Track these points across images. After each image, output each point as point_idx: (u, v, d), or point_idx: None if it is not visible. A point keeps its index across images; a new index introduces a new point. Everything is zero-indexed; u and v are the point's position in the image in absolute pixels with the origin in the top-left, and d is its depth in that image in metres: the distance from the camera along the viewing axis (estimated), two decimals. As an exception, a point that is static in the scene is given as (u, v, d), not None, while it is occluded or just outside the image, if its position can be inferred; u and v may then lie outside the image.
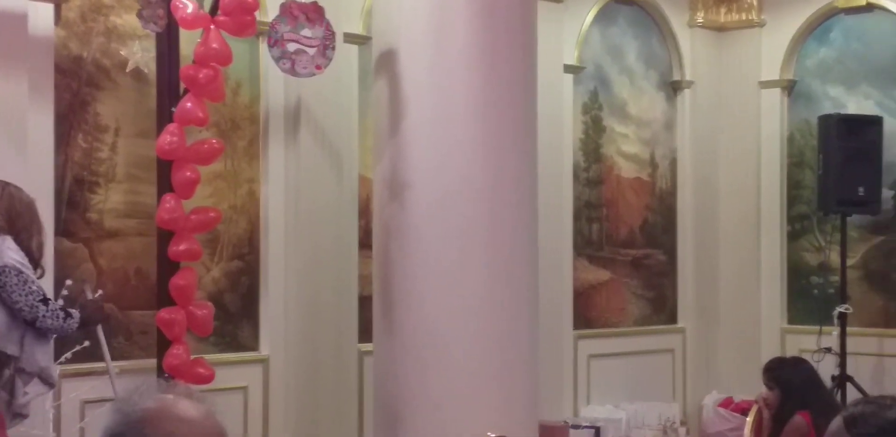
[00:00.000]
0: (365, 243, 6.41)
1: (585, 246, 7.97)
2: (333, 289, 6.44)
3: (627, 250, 8.24)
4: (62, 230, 5.56)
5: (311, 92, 6.28)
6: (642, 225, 8.35)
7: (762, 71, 8.62)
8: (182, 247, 5.45)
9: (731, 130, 8.64)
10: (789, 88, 8.59)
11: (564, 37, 7.65)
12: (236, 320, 6.25)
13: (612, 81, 8.14)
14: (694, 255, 8.56)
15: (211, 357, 5.79)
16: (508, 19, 5.76)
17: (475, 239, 5.62)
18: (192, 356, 5.49)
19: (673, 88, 8.55)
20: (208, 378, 5.52)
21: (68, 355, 5.08)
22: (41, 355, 4.57)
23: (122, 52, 5.58)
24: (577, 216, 7.87)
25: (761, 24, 8.63)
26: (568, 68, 7.71)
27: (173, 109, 5.38)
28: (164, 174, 5.44)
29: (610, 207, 8.15)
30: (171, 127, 5.36)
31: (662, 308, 8.48)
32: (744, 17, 8.66)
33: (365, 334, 6.30)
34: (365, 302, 6.31)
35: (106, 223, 5.75)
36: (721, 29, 8.68)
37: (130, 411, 1.90)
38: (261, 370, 6.28)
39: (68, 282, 5.13)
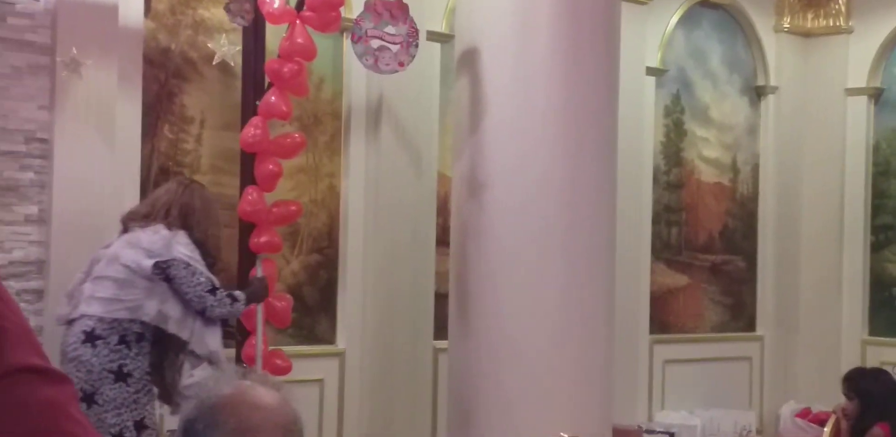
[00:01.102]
0: (442, 240, 6.43)
1: (664, 250, 7.92)
2: (410, 285, 6.47)
3: (706, 255, 8.17)
4: (146, 220, 5.64)
5: (393, 89, 6.32)
6: (722, 230, 8.28)
7: (849, 78, 8.51)
8: (263, 239, 5.51)
9: (815, 136, 8.53)
10: (876, 95, 8.47)
11: (648, 39, 7.62)
12: (314, 312, 6.31)
13: (694, 84, 8.09)
14: (774, 262, 8.46)
15: (288, 349, 5.84)
16: (592, 20, 5.75)
17: (553, 240, 5.61)
18: (270, 348, 5.55)
19: (756, 93, 8.46)
20: (285, 370, 5.57)
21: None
22: (211, 339, 4.82)
23: (209, 45, 5.66)
24: (656, 220, 7.83)
25: (849, 31, 8.52)
26: (650, 71, 7.68)
27: (258, 103, 5.44)
28: (248, 167, 5.50)
29: (689, 211, 8.08)
30: (255, 120, 5.43)
31: (740, 315, 8.39)
32: (831, 23, 8.56)
33: (440, 331, 6.32)
34: (441, 299, 6.33)
35: (189, 214, 5.83)
36: (808, 34, 8.58)
37: (205, 397, 1.92)
38: (337, 364, 6.33)
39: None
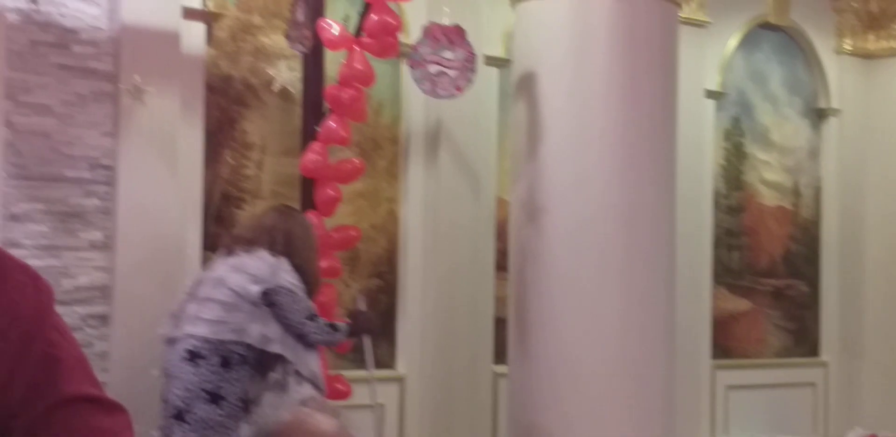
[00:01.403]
0: (501, 264, 6.43)
1: (725, 275, 7.85)
2: (469, 310, 6.46)
3: (768, 279, 8.09)
4: (209, 245, 5.70)
5: (452, 113, 6.35)
6: (784, 255, 8.19)
7: (912, 100, 8.42)
8: (323, 264, 5.54)
9: (879, 159, 8.44)
10: (940, 117, 8.37)
11: (707, 62, 7.58)
12: (374, 337, 6.30)
13: (754, 107, 8.03)
14: (838, 287, 8.35)
15: (348, 374, 5.85)
16: (649, 43, 5.75)
17: (612, 264, 5.59)
18: (331, 372, 5.57)
19: (818, 116, 8.39)
20: (345, 394, 5.59)
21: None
22: (312, 362, 4.91)
23: (269, 72, 5.72)
24: (717, 244, 7.76)
25: (911, 52, 8.44)
26: (710, 94, 7.64)
27: (317, 128, 5.49)
28: (307, 192, 5.55)
29: (751, 235, 8.01)
30: (315, 146, 5.47)
31: (804, 340, 8.28)
32: (894, 44, 8.47)
33: (500, 355, 6.30)
34: (500, 324, 6.32)
35: (250, 239, 5.87)
36: (870, 56, 8.50)
37: (265, 423, 1.94)
38: (397, 388, 6.33)
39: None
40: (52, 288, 1.63)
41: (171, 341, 4.83)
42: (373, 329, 5.27)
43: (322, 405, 2.02)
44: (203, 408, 4.65)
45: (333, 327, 4.94)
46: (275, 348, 4.77)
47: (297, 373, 4.85)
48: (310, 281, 4.97)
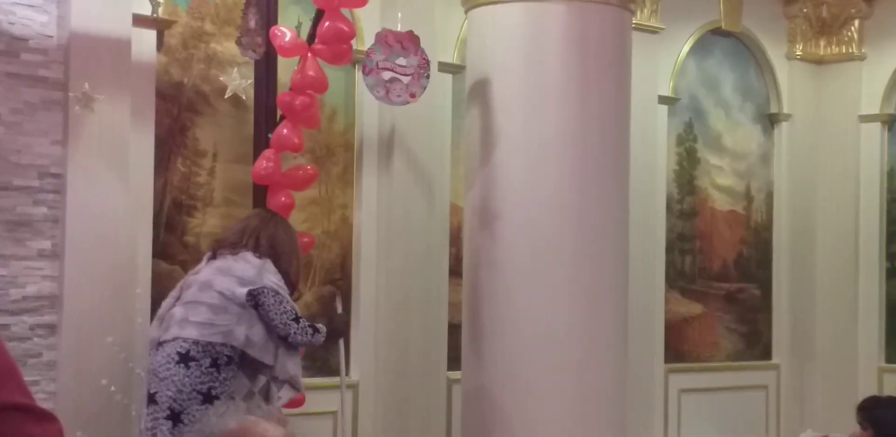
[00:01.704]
0: (455, 270, 6.43)
1: (678, 279, 7.90)
2: (423, 316, 6.46)
3: (721, 283, 8.15)
4: (159, 252, 5.66)
5: (405, 120, 6.34)
6: (736, 259, 8.26)
7: (862, 105, 8.50)
8: (278, 270, 5.52)
9: (829, 164, 8.52)
10: (890, 122, 8.46)
11: (659, 67, 7.62)
12: (327, 344, 6.28)
13: (707, 112, 8.09)
14: (789, 290, 8.43)
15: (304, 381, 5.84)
16: (602, 49, 5.78)
17: (565, 269, 5.62)
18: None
19: (770, 121, 8.46)
20: (299, 402, 5.57)
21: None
22: (291, 364, 5.05)
23: (221, 79, 5.69)
24: (669, 248, 7.81)
25: (862, 58, 8.52)
26: (663, 99, 7.69)
27: (270, 136, 5.47)
28: (260, 199, 5.53)
29: (703, 239, 8.07)
30: (268, 153, 5.45)
31: (756, 344, 8.35)
32: (844, 50, 8.56)
33: (454, 361, 6.31)
34: (454, 330, 6.32)
35: (202, 247, 5.83)
36: (820, 62, 8.58)
37: (209, 432, 1.92)
38: (351, 395, 6.31)
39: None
40: None
41: (158, 344, 4.93)
42: (347, 332, 5.36)
43: (268, 413, 2.00)
44: (198, 408, 4.77)
45: (315, 328, 5.07)
46: (255, 353, 4.91)
47: (274, 378, 5.00)
48: (291, 284, 5.14)
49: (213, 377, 4.84)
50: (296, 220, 5.81)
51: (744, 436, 8.02)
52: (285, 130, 5.46)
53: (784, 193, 8.44)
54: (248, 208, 5.66)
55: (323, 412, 6.11)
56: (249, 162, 5.58)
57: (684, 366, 7.86)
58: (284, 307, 4.95)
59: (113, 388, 4.96)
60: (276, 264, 5.04)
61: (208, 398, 4.78)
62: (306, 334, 5.01)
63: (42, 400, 4.51)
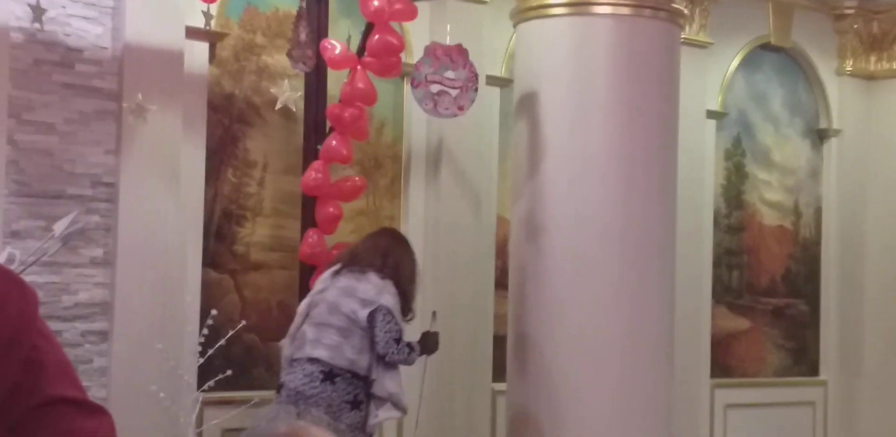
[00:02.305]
0: (501, 282, 6.45)
1: (725, 294, 7.86)
2: (469, 327, 6.48)
3: (768, 298, 8.11)
4: (209, 262, 5.74)
5: (453, 133, 6.38)
6: (784, 274, 8.21)
7: (913, 121, 8.44)
8: (324, 281, 5.56)
9: (879, 180, 8.46)
10: (940, 138, 8.40)
11: (708, 82, 7.62)
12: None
13: (755, 127, 8.07)
14: (838, 306, 8.37)
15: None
16: (651, 64, 5.77)
17: (611, 283, 5.61)
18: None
19: (819, 136, 8.42)
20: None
21: (211, 383, 5.23)
22: (390, 382, 5.14)
23: (271, 91, 5.76)
24: (716, 263, 7.78)
25: (913, 73, 8.47)
26: (711, 114, 7.68)
27: (319, 147, 5.53)
28: (308, 210, 5.58)
29: (751, 254, 8.03)
30: (317, 164, 5.51)
31: (803, 359, 8.30)
32: (894, 65, 8.50)
33: (499, 373, 6.31)
34: (499, 342, 6.34)
35: (251, 256, 5.91)
36: (871, 77, 8.53)
37: (259, 435, 1.93)
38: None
39: (213, 312, 5.28)
40: (36, 294, 1.67)
41: (293, 362, 5.12)
42: (435, 349, 5.40)
43: (318, 420, 2.01)
44: (348, 415, 5.04)
45: (411, 348, 5.15)
46: (371, 375, 5.12)
47: (374, 395, 5.13)
48: (407, 309, 5.23)
49: (356, 385, 5.08)
50: (343, 230, 5.86)
51: (790, 453, 7.96)
52: (334, 142, 5.51)
53: (833, 209, 8.39)
54: (296, 219, 5.72)
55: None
56: (299, 173, 5.64)
57: (731, 381, 7.82)
58: (391, 327, 5.05)
59: (162, 394, 5.01)
60: (398, 285, 5.14)
61: (355, 405, 5.07)
62: (403, 354, 5.09)
63: (92, 405, 4.57)
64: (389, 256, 5.17)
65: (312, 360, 5.05)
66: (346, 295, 5.08)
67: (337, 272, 5.16)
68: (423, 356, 5.41)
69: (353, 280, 5.11)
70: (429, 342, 5.35)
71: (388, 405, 5.14)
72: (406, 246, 5.29)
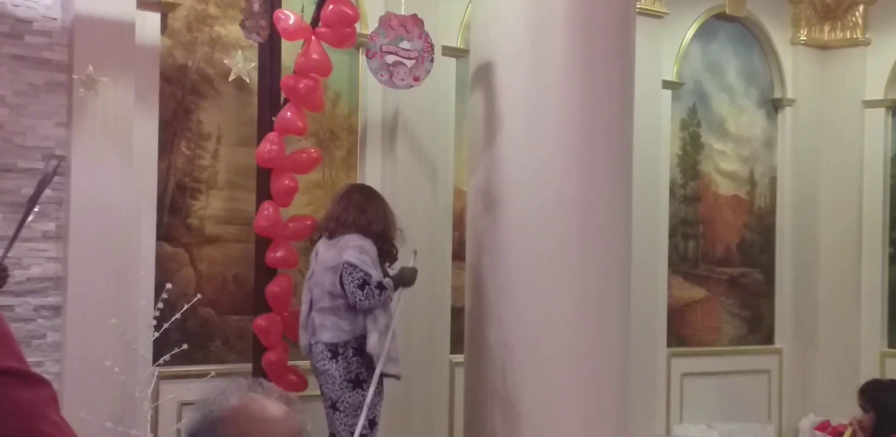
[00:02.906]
0: (458, 254, 6.45)
1: (681, 263, 7.91)
2: (427, 299, 6.47)
3: (724, 268, 8.16)
4: (164, 235, 5.69)
5: (409, 104, 6.34)
6: (739, 243, 8.27)
7: (866, 90, 8.50)
8: (279, 254, 5.55)
9: (833, 149, 8.52)
10: (894, 107, 8.46)
11: (664, 52, 7.62)
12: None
13: (711, 97, 8.09)
14: (792, 275, 8.44)
15: (304, 364, 5.86)
16: (607, 34, 5.76)
17: (568, 254, 5.62)
18: (289, 364, 5.58)
19: (774, 106, 8.46)
20: (300, 386, 5.60)
21: (166, 357, 5.20)
22: (372, 340, 5.34)
23: (225, 62, 5.70)
24: (672, 233, 7.82)
25: (866, 43, 8.51)
26: (667, 84, 7.68)
27: (273, 119, 5.48)
28: (264, 182, 5.54)
29: (707, 224, 8.08)
30: (271, 136, 5.47)
31: (759, 328, 8.37)
32: (848, 35, 8.55)
33: (457, 345, 6.32)
34: (457, 313, 6.34)
35: (206, 229, 5.87)
36: (825, 47, 8.57)
37: (208, 410, 1.92)
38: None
39: (168, 286, 5.24)
40: None
41: (310, 348, 5.42)
42: (411, 283, 5.54)
43: (271, 391, 1.99)
44: (350, 394, 5.33)
45: (381, 287, 5.28)
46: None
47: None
48: (389, 241, 5.50)
49: (358, 364, 5.33)
50: (299, 203, 5.83)
51: (746, 420, 8.03)
52: (289, 114, 5.47)
53: (788, 179, 8.45)
54: (252, 191, 5.68)
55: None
56: (253, 145, 5.60)
57: (687, 350, 7.88)
58: (353, 277, 5.24)
59: (117, 369, 4.98)
60: (369, 231, 5.36)
61: (357, 384, 5.33)
62: (371, 296, 5.26)
63: (46, 381, 4.54)
64: (342, 213, 5.37)
65: (323, 343, 5.36)
66: (324, 270, 5.34)
67: (316, 250, 5.41)
68: (402, 292, 5.50)
69: (326, 252, 5.34)
70: (406, 276, 5.48)
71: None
72: (350, 191, 5.47)
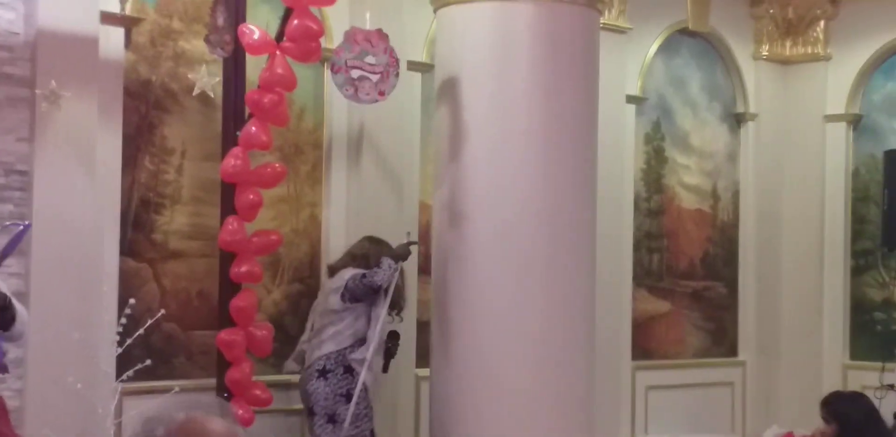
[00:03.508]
0: (424, 268, 6.45)
1: (645, 277, 7.95)
2: (392, 313, 6.46)
3: (688, 281, 8.21)
4: (127, 251, 5.66)
5: (374, 118, 6.35)
6: (703, 257, 8.32)
7: (827, 105, 8.57)
8: (243, 269, 5.53)
9: (795, 163, 8.58)
10: (855, 122, 8.54)
11: (628, 67, 7.67)
12: (296, 342, 6.29)
13: (675, 112, 8.14)
14: (756, 288, 8.49)
15: (269, 379, 5.85)
16: (571, 49, 5.81)
17: (533, 267, 5.65)
18: (254, 379, 5.56)
19: (736, 121, 8.52)
20: (266, 402, 5.59)
21: (130, 373, 5.17)
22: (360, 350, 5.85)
23: (189, 77, 5.69)
24: (637, 247, 7.86)
25: (827, 58, 8.59)
26: (630, 99, 7.73)
27: (238, 133, 5.48)
28: (228, 197, 5.53)
29: (671, 237, 8.12)
30: (236, 151, 5.46)
31: (722, 341, 8.42)
32: (809, 50, 8.62)
33: (422, 359, 6.32)
34: (423, 327, 6.34)
35: (170, 244, 5.85)
36: (786, 62, 8.65)
37: (155, 425, 1.92)
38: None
39: (131, 301, 5.20)
40: None
41: (305, 371, 5.86)
42: (406, 257, 5.95)
43: (210, 406, 2.01)
44: (345, 407, 5.69)
45: (379, 267, 5.78)
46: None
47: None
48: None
49: (348, 380, 5.74)
50: (264, 217, 5.83)
51: (710, 432, 8.06)
52: (254, 128, 5.46)
53: (750, 192, 8.51)
54: (216, 206, 5.66)
55: (291, 409, 6.13)
56: (218, 160, 5.58)
57: (651, 363, 7.92)
58: (355, 276, 5.79)
59: (80, 385, 4.94)
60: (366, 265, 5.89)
61: (349, 397, 5.70)
62: (368, 278, 5.74)
63: (9, 397, 4.50)
64: (364, 254, 5.94)
65: (317, 359, 5.78)
66: (327, 294, 5.90)
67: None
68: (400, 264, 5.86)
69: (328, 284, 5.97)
70: (401, 250, 5.87)
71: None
72: (377, 244, 5.98)
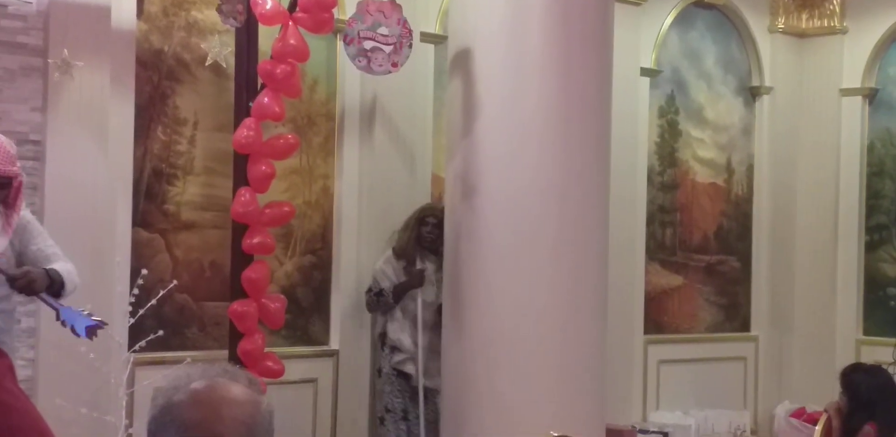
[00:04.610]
0: (436, 241, 6.42)
1: (658, 251, 7.92)
2: (404, 286, 6.46)
3: (701, 255, 8.18)
4: (139, 221, 5.66)
5: (387, 90, 6.33)
6: (717, 231, 8.29)
7: (843, 78, 8.52)
8: (256, 240, 5.52)
9: (810, 137, 8.54)
10: (871, 96, 8.48)
11: (642, 40, 7.62)
12: (308, 313, 6.31)
13: (689, 85, 8.10)
14: (769, 262, 8.47)
15: (281, 350, 5.86)
16: (585, 21, 5.76)
17: (545, 241, 5.62)
18: (265, 350, 5.56)
19: (751, 94, 8.47)
20: (278, 373, 5.59)
21: (142, 343, 5.18)
22: (391, 328, 6.26)
23: (201, 47, 5.66)
24: (650, 220, 7.83)
25: (843, 31, 8.52)
26: (645, 71, 7.68)
27: (251, 104, 5.46)
28: (241, 168, 5.52)
29: (684, 211, 8.09)
30: (248, 121, 5.44)
31: (735, 316, 8.40)
32: (826, 23, 8.56)
33: (434, 331, 6.32)
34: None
35: (182, 215, 5.84)
36: (802, 35, 8.59)
37: (170, 395, 1.91)
38: (331, 364, 6.34)
39: (144, 272, 5.21)
40: None
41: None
42: (419, 284, 6.28)
43: (234, 374, 1.98)
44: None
45: (379, 294, 6.17)
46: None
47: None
48: (408, 258, 6.29)
49: (379, 356, 6.27)
50: (276, 189, 5.82)
51: (722, 407, 8.06)
52: (266, 99, 5.44)
53: (765, 166, 8.46)
54: (228, 177, 5.66)
55: (304, 379, 6.15)
56: (230, 130, 5.57)
57: (664, 337, 7.90)
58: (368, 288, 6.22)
59: (92, 355, 4.94)
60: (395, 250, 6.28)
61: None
62: (368, 303, 6.20)
63: (21, 367, 4.51)
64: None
65: None
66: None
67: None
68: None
69: None
70: (414, 279, 6.17)
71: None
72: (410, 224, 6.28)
